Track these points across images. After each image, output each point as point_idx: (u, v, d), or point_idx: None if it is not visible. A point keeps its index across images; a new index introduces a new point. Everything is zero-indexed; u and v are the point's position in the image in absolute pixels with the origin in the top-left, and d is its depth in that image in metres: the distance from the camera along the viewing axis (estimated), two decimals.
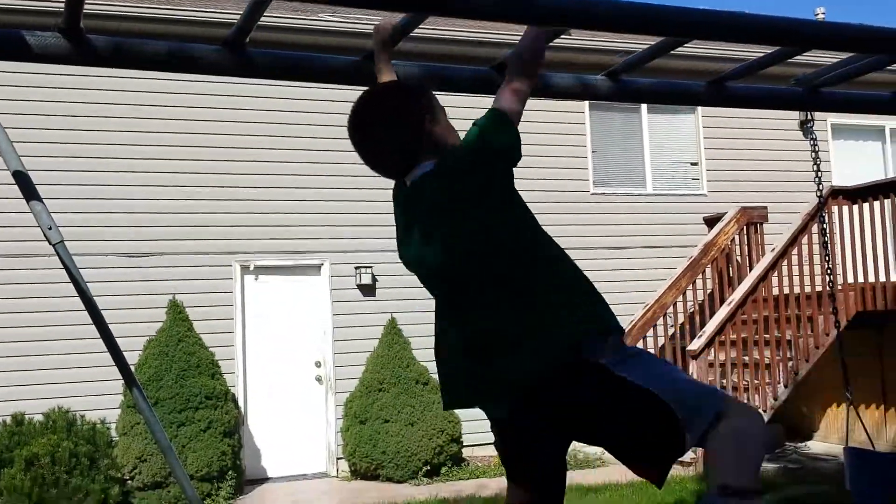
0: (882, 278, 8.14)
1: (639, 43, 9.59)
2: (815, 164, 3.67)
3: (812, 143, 3.68)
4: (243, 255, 8.75)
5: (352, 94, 2.38)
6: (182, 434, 7.47)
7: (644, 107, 10.06)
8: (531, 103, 8.97)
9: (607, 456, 8.86)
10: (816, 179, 3.75)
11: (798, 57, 2.88)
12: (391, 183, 2.43)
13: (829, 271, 3.66)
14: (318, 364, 8.94)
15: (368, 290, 9.06)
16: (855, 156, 10.71)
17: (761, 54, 2.65)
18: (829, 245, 3.75)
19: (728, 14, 2.16)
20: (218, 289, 8.63)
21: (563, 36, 2.60)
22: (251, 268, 8.79)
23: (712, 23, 2.05)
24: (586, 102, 9.75)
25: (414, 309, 9.02)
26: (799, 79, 3.22)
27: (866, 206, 8.28)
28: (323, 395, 8.92)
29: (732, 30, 2.06)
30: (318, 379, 8.94)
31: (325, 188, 9.00)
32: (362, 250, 9.05)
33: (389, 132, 2.27)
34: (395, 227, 2.40)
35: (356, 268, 8.99)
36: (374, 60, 2.61)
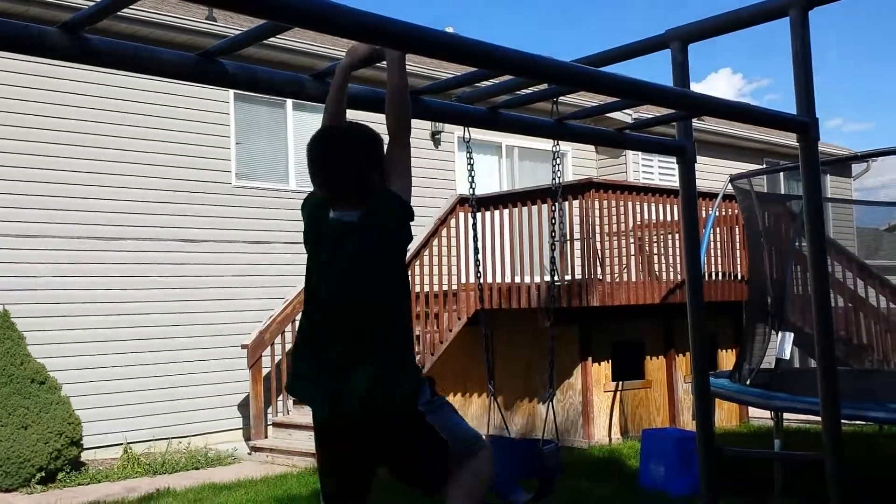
0: (498, 279, 9.04)
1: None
2: (469, 175, 3.97)
3: (468, 156, 3.99)
4: None
5: None
6: None
7: (289, 103, 10.11)
8: (173, 88, 8.60)
9: (240, 452, 8.79)
10: (471, 190, 4.07)
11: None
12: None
13: (479, 275, 4.00)
14: None
15: None
16: (477, 168, 11.74)
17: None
18: (478, 249, 4.09)
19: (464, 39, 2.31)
20: None
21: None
22: None
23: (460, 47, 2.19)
24: (231, 92, 9.56)
25: (32, 300, 8.18)
26: (459, 96, 3.47)
27: (488, 214, 9.14)
28: None
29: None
30: None
31: None
32: None
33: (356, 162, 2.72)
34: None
35: None
36: (336, 75, 2.88)
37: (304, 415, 8.83)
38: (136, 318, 8.84)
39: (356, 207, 2.70)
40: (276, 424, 8.95)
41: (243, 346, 8.88)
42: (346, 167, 2.70)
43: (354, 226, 2.69)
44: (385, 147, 2.82)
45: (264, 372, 9.01)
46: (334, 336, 2.65)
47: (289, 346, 9.15)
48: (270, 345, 8.99)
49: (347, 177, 2.71)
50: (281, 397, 9.16)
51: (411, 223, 2.79)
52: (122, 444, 8.48)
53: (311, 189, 2.84)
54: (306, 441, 8.48)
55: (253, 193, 9.83)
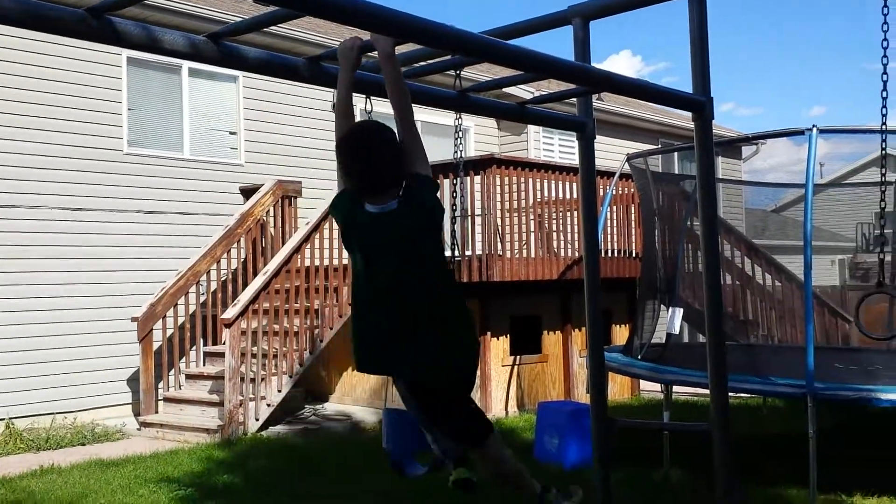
0: None
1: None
2: None
3: None
4: None
5: None
6: None
7: (185, 69, 9.77)
8: (62, 51, 8.19)
9: (129, 428, 8.53)
10: None
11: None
12: None
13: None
14: None
15: None
16: None
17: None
18: None
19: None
20: None
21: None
22: None
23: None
24: (124, 56, 9.17)
25: None
26: (365, 64, 3.40)
27: None
28: None
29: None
30: None
31: None
32: None
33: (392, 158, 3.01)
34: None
35: None
36: (342, 70, 3.03)
37: (197, 390, 8.63)
38: (19, 288, 8.44)
39: (392, 197, 2.96)
40: (167, 399, 8.72)
41: (133, 319, 8.58)
42: (388, 161, 2.96)
43: (396, 213, 2.94)
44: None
45: (155, 346, 8.74)
46: (395, 314, 3.00)
47: (181, 319, 8.91)
48: (162, 318, 8.72)
49: (390, 170, 2.97)
50: (173, 371, 8.91)
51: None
52: (3, 419, 8.10)
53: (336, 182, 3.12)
54: (198, 416, 8.30)
55: (145, 161, 9.47)
